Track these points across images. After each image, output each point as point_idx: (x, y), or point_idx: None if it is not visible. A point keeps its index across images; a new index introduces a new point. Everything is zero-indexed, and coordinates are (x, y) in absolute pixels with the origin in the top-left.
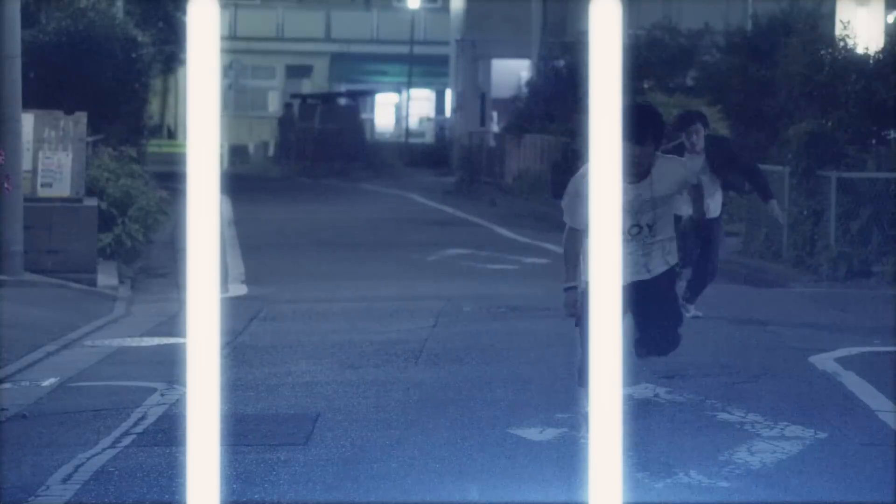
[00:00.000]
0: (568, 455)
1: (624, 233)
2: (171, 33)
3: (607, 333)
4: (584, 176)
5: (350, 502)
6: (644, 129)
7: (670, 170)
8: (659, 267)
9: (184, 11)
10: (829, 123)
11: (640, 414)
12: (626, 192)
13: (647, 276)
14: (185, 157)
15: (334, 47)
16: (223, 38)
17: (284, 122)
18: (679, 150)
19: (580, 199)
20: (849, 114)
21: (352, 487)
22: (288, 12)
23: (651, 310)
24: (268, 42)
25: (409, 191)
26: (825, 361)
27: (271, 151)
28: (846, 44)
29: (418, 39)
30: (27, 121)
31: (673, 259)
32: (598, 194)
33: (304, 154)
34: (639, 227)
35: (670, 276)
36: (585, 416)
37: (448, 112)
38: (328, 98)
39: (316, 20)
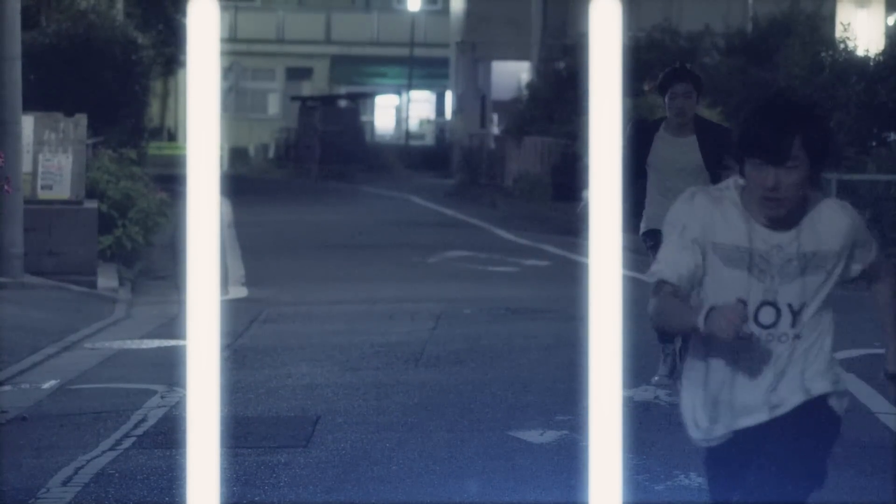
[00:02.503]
0: (568, 457)
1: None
2: (171, 35)
3: (607, 334)
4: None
5: None
6: (793, 139)
7: (834, 216)
8: (793, 396)
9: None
10: (830, 125)
11: (640, 416)
12: (756, 238)
13: (766, 416)
14: (185, 160)
15: (334, 49)
16: (223, 41)
17: (284, 125)
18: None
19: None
20: (849, 116)
21: (352, 489)
22: (288, 14)
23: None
24: (268, 44)
25: (408, 193)
26: None
27: (271, 153)
28: (846, 46)
29: (418, 41)
30: (27, 123)
31: (823, 385)
32: (598, 197)
33: (305, 156)
34: (776, 309)
35: (818, 416)
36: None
37: (448, 114)
38: (328, 100)
39: (316, 22)
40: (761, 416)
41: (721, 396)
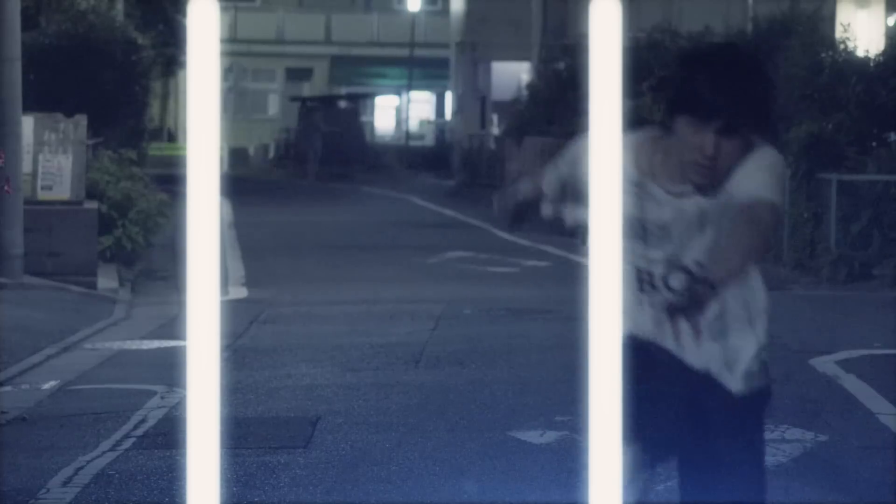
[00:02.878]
0: (568, 458)
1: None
2: (171, 36)
3: (607, 334)
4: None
5: None
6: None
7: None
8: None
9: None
10: (830, 126)
11: None
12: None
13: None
14: (185, 160)
15: (334, 50)
16: (223, 41)
17: (284, 125)
18: None
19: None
20: (849, 116)
21: (352, 490)
22: (288, 15)
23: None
24: (268, 45)
25: (408, 193)
26: (826, 364)
27: (271, 154)
28: (846, 46)
29: (418, 42)
30: (27, 123)
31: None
32: (598, 199)
33: (305, 157)
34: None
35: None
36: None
37: (448, 115)
38: (328, 101)
39: (316, 23)
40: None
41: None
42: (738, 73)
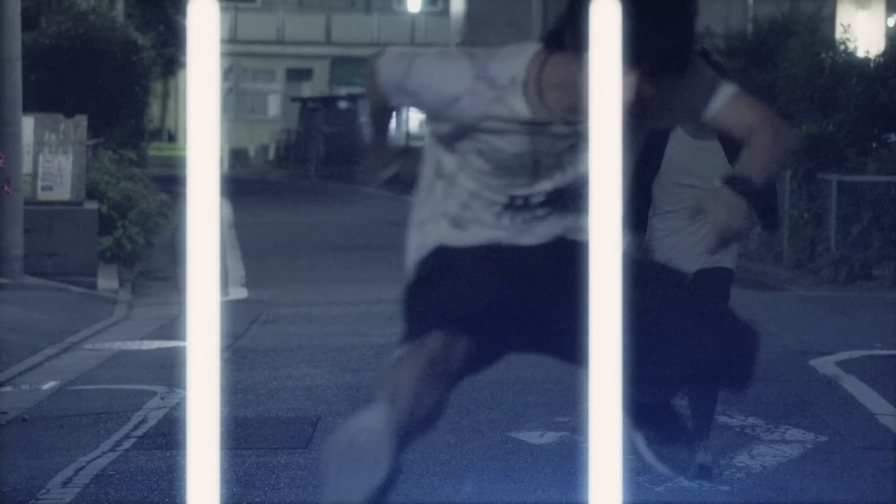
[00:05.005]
0: (568, 459)
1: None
2: (171, 36)
3: (607, 334)
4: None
5: None
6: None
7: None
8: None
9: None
10: (830, 126)
11: None
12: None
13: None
14: (185, 161)
15: (335, 51)
16: (223, 42)
17: (285, 126)
18: None
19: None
20: (849, 117)
21: None
22: (288, 16)
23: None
24: (268, 45)
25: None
26: (826, 365)
27: (272, 155)
28: (847, 47)
29: (418, 43)
30: (27, 124)
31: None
32: (598, 198)
33: (305, 157)
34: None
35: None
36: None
37: None
38: (329, 101)
39: (316, 23)
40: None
41: None
42: (665, 4)
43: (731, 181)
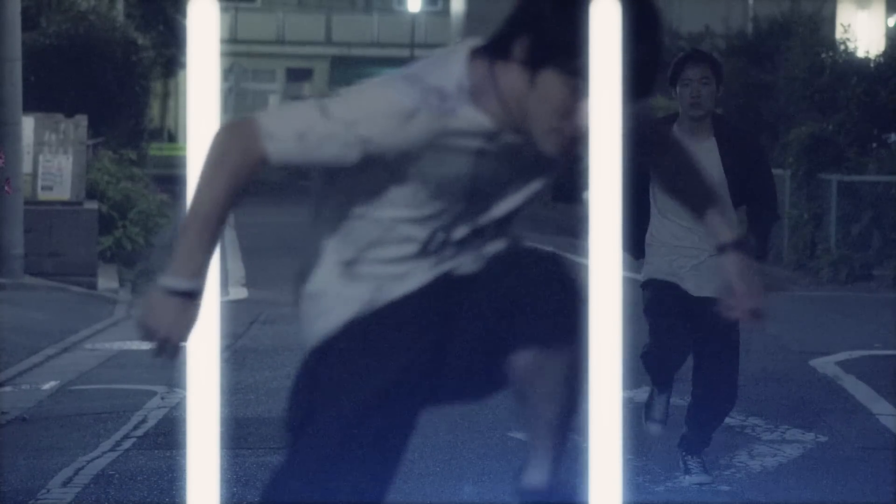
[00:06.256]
0: (568, 458)
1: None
2: (171, 36)
3: (607, 334)
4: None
5: None
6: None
7: None
8: None
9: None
10: (830, 127)
11: (640, 417)
12: None
13: None
14: (185, 161)
15: (335, 50)
16: (223, 42)
17: None
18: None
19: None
20: (850, 117)
21: None
22: (288, 15)
23: None
24: (268, 45)
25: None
26: (826, 365)
27: None
28: (847, 47)
29: (419, 43)
30: (27, 124)
31: None
32: (598, 198)
33: None
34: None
35: None
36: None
37: None
38: None
39: (316, 23)
40: None
41: None
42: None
43: (738, 247)
